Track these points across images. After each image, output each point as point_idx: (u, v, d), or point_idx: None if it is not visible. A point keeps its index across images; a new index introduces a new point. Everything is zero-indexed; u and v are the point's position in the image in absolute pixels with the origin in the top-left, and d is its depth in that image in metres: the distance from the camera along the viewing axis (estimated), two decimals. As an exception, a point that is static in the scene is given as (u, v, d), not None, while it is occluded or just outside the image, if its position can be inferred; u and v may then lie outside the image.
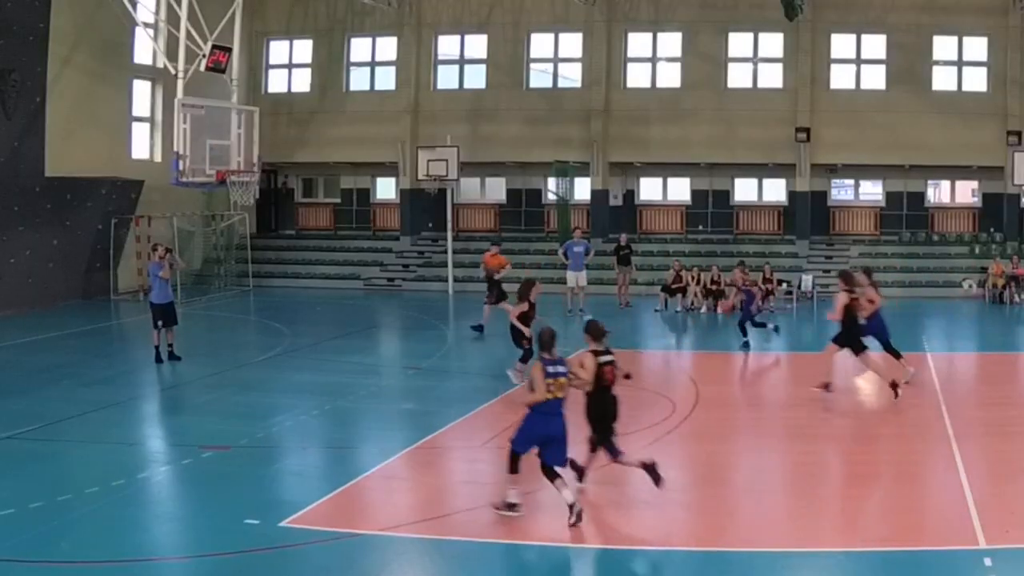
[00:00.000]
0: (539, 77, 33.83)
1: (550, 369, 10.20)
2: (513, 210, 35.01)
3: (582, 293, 26.06)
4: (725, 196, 33.76)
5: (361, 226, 35.88)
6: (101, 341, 23.19)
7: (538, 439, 10.28)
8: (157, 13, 28.09)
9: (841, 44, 31.67)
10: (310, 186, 36.85)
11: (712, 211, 33.76)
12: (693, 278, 27.36)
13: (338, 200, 36.36)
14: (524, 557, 9.50)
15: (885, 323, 16.62)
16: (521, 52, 33.22)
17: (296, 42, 35.07)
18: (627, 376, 11.12)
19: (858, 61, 31.68)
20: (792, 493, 11.59)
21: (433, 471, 12.42)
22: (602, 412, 10.76)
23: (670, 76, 32.69)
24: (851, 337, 15.67)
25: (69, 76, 27.06)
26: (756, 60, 32.30)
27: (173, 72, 20.85)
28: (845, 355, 15.93)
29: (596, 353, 10.70)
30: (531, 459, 10.29)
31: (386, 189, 35.95)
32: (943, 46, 31.03)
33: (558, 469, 10.33)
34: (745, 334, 20.79)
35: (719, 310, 26.44)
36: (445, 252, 31.15)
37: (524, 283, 17.17)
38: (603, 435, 10.79)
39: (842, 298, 15.63)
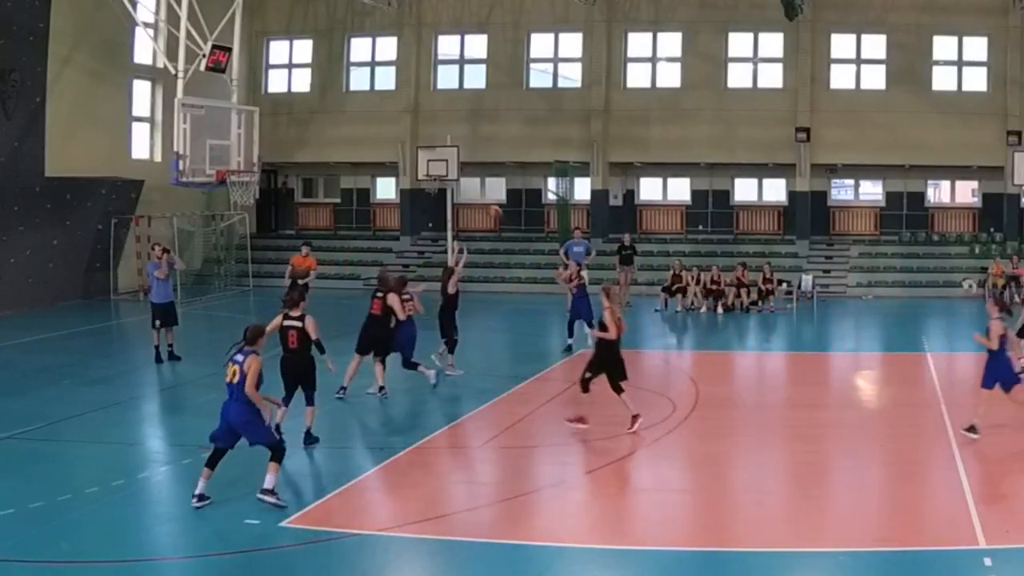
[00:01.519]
0: (539, 77, 33.83)
1: (230, 356, 11.09)
2: (513, 210, 34.98)
3: (582, 293, 26.05)
4: (725, 196, 33.77)
5: (361, 226, 35.88)
6: (101, 341, 23.18)
7: (221, 422, 10.93)
8: (157, 13, 28.07)
9: (841, 44, 31.67)
10: (310, 186, 36.86)
11: (712, 211, 33.76)
12: (693, 278, 27.36)
13: (338, 200, 36.36)
14: (524, 557, 9.50)
15: (413, 336, 16.16)
16: (521, 52, 33.23)
17: (296, 42, 35.07)
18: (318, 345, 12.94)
19: (858, 61, 31.68)
20: (792, 493, 11.59)
21: (433, 471, 12.42)
22: (283, 371, 12.84)
23: (670, 76, 32.70)
24: (380, 341, 15.72)
25: (69, 76, 27.05)
26: (756, 60, 32.30)
27: (173, 72, 20.83)
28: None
29: (285, 317, 12.77)
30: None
31: (386, 189, 35.96)
32: (943, 46, 31.03)
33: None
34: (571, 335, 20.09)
35: (719, 309, 26.47)
36: (445, 252, 31.11)
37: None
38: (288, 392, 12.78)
39: (393, 299, 15.64)
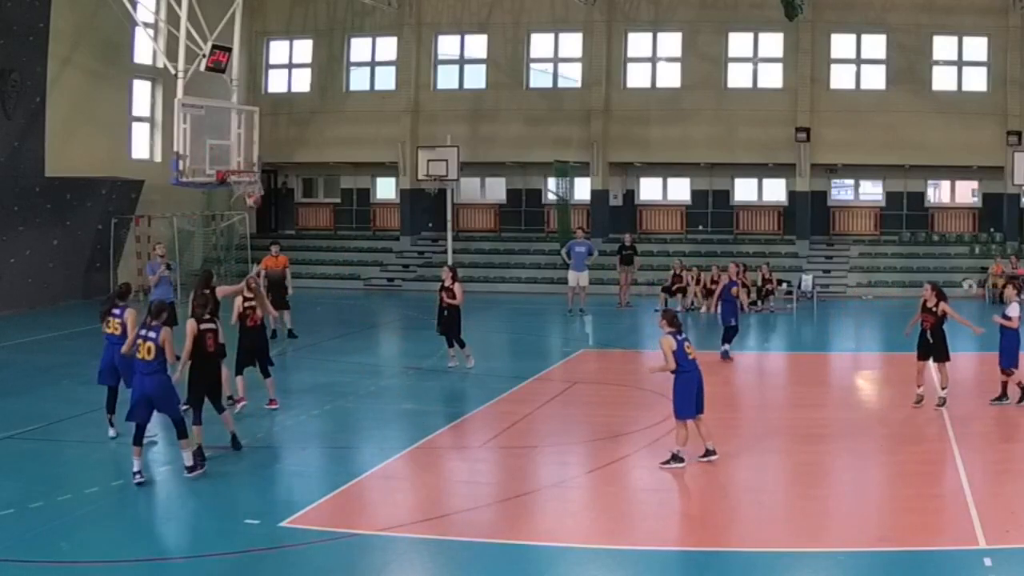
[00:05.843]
0: (539, 77, 33.84)
1: (142, 332, 12.03)
2: (513, 210, 35.01)
3: (583, 293, 26.09)
4: (725, 196, 33.77)
5: (361, 226, 35.89)
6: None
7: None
8: (157, 13, 28.08)
9: (841, 44, 31.68)
10: (310, 186, 36.86)
11: (712, 211, 33.76)
12: (693, 278, 27.36)
13: (338, 200, 36.37)
14: (524, 557, 9.50)
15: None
16: (521, 52, 33.23)
17: (296, 42, 35.08)
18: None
19: (858, 61, 31.69)
20: (792, 493, 11.59)
21: (433, 471, 12.42)
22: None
23: (670, 76, 32.70)
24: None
25: (69, 76, 27.04)
26: (756, 60, 32.30)
27: (173, 72, 20.79)
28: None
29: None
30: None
31: (386, 189, 35.96)
32: (943, 46, 31.04)
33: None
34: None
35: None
36: (445, 252, 31.11)
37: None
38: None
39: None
